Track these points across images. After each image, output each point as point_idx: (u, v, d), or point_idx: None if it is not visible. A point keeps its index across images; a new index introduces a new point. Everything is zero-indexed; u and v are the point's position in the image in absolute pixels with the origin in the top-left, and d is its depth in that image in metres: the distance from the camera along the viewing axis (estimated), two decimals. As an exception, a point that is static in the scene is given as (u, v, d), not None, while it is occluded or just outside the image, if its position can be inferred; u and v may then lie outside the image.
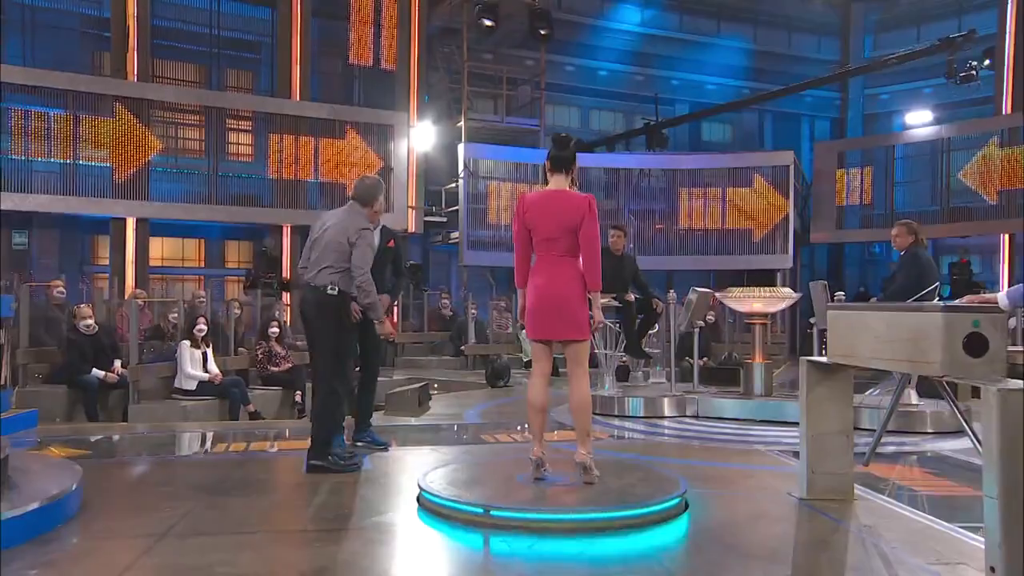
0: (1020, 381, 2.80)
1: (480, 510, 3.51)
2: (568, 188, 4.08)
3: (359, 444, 5.33)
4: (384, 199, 5.00)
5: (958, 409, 3.63)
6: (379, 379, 9.34)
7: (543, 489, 3.85)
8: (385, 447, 5.36)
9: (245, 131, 16.32)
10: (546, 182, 4.15)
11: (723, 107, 19.95)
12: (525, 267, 4.09)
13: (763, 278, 14.57)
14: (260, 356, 9.13)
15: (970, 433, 3.24)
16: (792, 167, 17.41)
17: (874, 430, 6.29)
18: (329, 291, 4.65)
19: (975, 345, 2.86)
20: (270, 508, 3.99)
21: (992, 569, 2.60)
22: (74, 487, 3.69)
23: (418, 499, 3.90)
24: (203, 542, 3.34)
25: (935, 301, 6.10)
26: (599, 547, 3.24)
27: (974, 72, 15.74)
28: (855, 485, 4.09)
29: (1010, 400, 2.59)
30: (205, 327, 8.43)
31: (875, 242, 20.37)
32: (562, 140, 4.15)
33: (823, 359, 3.85)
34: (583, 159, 18.11)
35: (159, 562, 3.06)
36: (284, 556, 3.14)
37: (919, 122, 20.38)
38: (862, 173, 18.91)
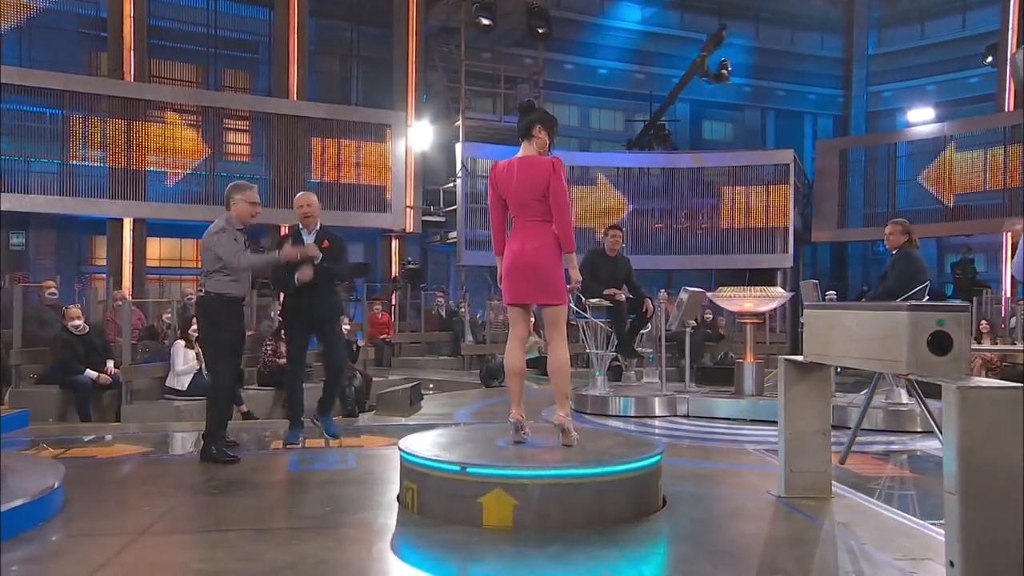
0: (984, 379, 2.85)
1: (457, 468, 3.58)
2: (537, 154, 4.13)
3: (316, 423, 5.65)
4: (247, 196, 5.19)
5: (926, 407, 3.68)
6: (376, 379, 9.44)
7: (522, 450, 3.92)
8: (335, 436, 5.67)
9: (242, 131, 16.42)
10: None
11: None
12: (501, 234, 4.18)
13: (764, 278, 14.62)
14: (270, 352, 9.06)
15: (937, 431, 3.28)
16: (792, 165, 17.44)
17: (871, 430, 6.41)
18: (199, 295, 5.23)
19: (939, 343, 2.91)
20: (252, 506, 4.04)
21: (951, 564, 2.65)
22: (56, 486, 3.76)
23: (398, 499, 3.97)
24: (181, 539, 3.41)
25: (924, 300, 6.18)
26: (569, 541, 3.29)
27: (725, 72, 17.49)
28: (835, 483, 4.15)
29: (969, 397, 2.64)
30: (199, 327, 8.50)
31: (878, 241, 20.37)
32: (525, 107, 4.27)
33: (800, 358, 3.90)
34: (591, 159, 18.34)
35: (135, 559, 3.13)
36: (260, 553, 3.20)
37: (921, 119, 20.40)
38: (864, 171, 18.95)
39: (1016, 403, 2.62)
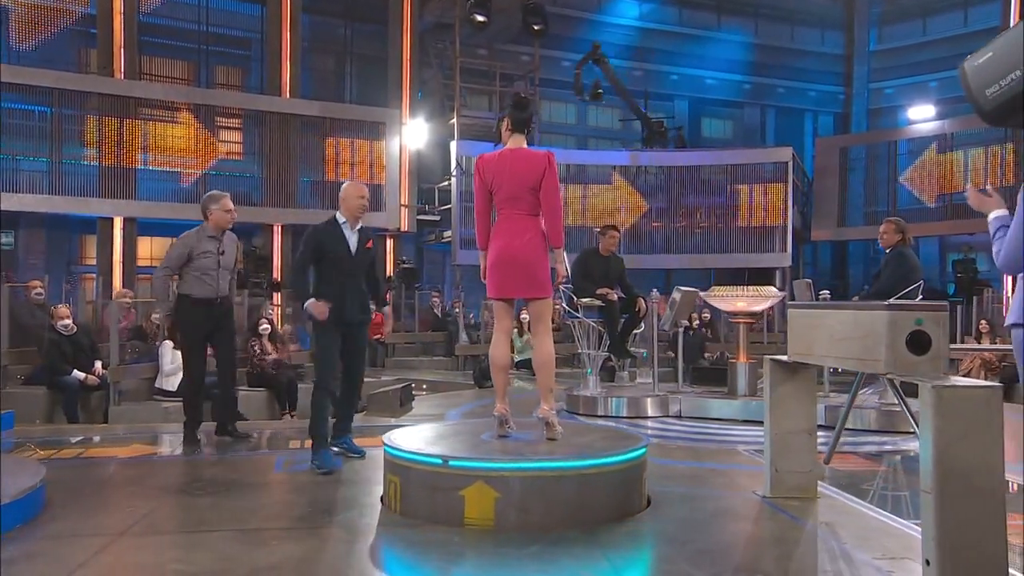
0: (961, 378, 2.89)
1: (438, 461, 3.63)
2: (526, 147, 4.19)
3: (335, 449, 5.17)
4: (222, 204, 5.76)
5: (907, 407, 3.72)
6: (367, 380, 9.44)
7: (505, 444, 3.97)
8: (362, 455, 5.15)
9: (235, 129, 16.42)
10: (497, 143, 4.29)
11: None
12: (486, 227, 4.20)
13: (762, 277, 14.67)
14: (256, 350, 9.07)
15: (917, 431, 3.32)
16: (791, 163, 17.49)
17: (863, 430, 6.46)
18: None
19: (918, 343, 2.95)
20: (235, 507, 4.07)
21: (927, 562, 2.69)
22: (36, 487, 3.79)
23: (382, 500, 4.01)
24: (160, 540, 3.44)
25: (917, 300, 6.22)
26: (550, 541, 3.33)
27: (599, 92, 18.65)
28: (821, 483, 4.19)
29: (945, 396, 2.68)
30: (188, 327, 8.52)
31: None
32: (524, 101, 4.37)
33: (784, 357, 3.94)
34: (587, 156, 18.41)
35: (112, 560, 3.17)
36: (239, 554, 3.23)
37: (923, 116, 20.44)
38: (865, 169, 19.01)
39: (991, 402, 2.66)
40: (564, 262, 4.14)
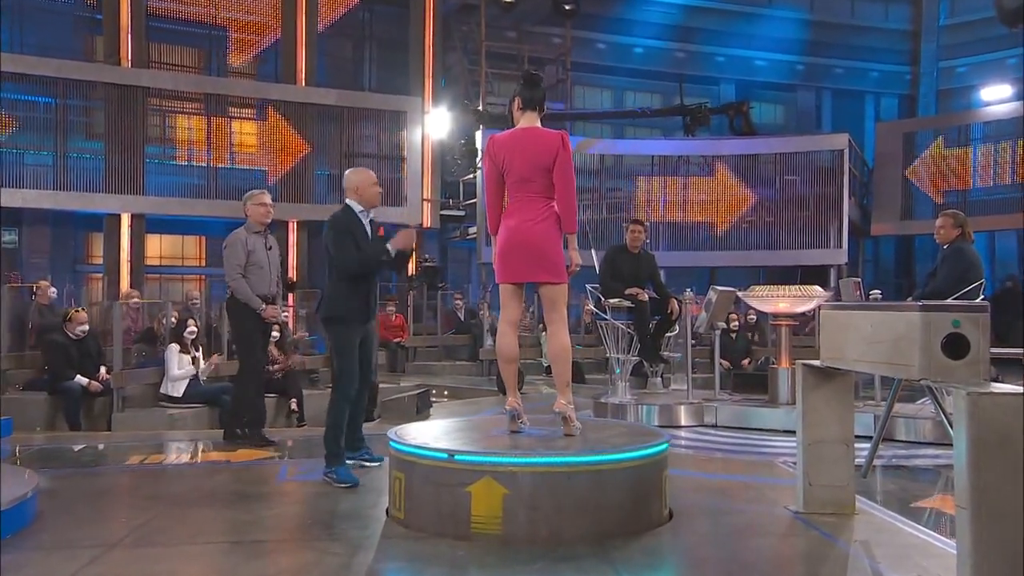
0: (1000, 384, 2.88)
1: (444, 455, 3.68)
2: (539, 126, 4.23)
3: (348, 462, 5.04)
4: (256, 199, 6.28)
5: (945, 415, 3.70)
6: (382, 386, 9.56)
7: (517, 439, 4.01)
8: (379, 461, 5.08)
9: (248, 119, 16.64)
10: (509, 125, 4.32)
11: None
12: (498, 211, 4.25)
13: (816, 276, 14.49)
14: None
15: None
16: (847, 151, 17.22)
17: (917, 442, 6.41)
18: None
19: (955, 346, 2.94)
20: (233, 518, 4.17)
21: (962, 583, 2.69)
22: (28, 496, 3.93)
23: (387, 512, 4.09)
24: (154, 552, 3.55)
25: (979, 300, 6.15)
26: (559, 557, 3.38)
27: None
28: (861, 498, 4.17)
29: (980, 404, 2.67)
30: (195, 330, 8.70)
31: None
32: (535, 78, 4.36)
33: (817, 362, 3.93)
34: (621, 146, 18.34)
35: (102, 571, 3.27)
36: (232, 567, 3.33)
37: (998, 97, 20.00)
38: (933, 156, 18.65)
39: (1030, 410, 2.65)
40: (576, 249, 4.18)
